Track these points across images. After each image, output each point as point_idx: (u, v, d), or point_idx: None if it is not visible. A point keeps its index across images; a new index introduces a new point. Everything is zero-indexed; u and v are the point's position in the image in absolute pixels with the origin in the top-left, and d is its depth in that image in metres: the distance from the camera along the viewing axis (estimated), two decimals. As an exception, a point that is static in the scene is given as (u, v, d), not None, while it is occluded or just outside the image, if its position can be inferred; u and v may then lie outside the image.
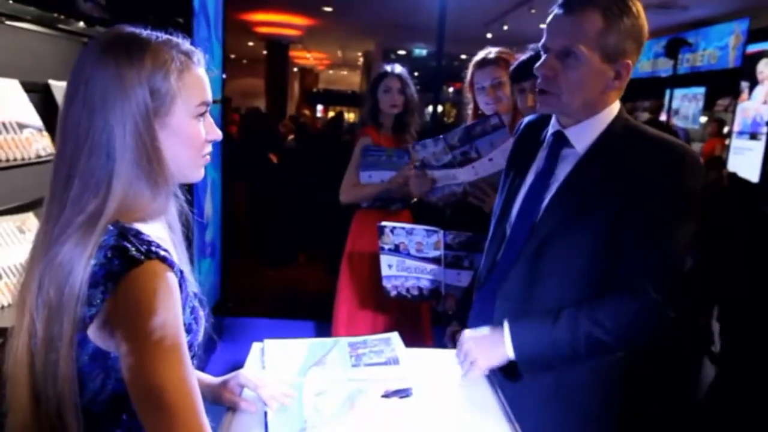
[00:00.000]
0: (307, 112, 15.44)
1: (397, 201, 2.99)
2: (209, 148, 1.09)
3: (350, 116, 15.61)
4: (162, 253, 0.93)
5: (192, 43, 1.05)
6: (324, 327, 3.39)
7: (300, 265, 6.22)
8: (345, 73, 21.19)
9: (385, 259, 2.38)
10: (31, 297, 0.95)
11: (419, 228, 2.31)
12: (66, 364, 0.91)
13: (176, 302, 0.92)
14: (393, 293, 2.41)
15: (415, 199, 3.02)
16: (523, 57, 2.14)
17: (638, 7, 1.36)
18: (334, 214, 3.27)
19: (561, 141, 1.48)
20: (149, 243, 0.93)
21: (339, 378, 1.29)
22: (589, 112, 1.43)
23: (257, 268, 5.71)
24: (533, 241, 1.44)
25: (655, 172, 1.34)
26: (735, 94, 7.16)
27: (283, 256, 5.95)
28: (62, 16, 2.18)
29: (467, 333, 1.46)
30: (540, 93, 1.43)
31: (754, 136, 6.66)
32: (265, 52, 14.24)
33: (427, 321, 3.08)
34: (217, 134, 1.08)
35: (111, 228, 0.94)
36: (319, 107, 19.18)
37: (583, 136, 1.44)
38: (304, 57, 17.33)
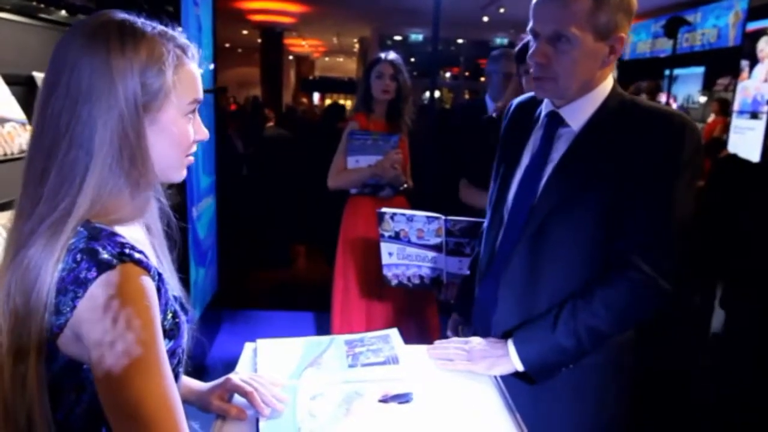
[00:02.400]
0: (304, 100, 15.31)
1: (386, 187, 2.93)
2: (194, 149, 1.03)
3: (348, 104, 15.54)
4: (137, 255, 0.87)
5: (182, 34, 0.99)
6: (325, 318, 3.36)
7: (300, 256, 6.15)
8: (341, 60, 21.07)
9: (385, 247, 2.33)
10: None
11: (420, 214, 2.26)
12: (34, 377, 0.85)
13: (153, 307, 0.86)
14: (394, 282, 2.37)
15: (406, 185, 2.98)
16: (527, 38, 2.09)
17: None
18: (330, 203, 3.22)
19: (556, 120, 1.45)
20: (123, 245, 0.87)
21: (335, 380, 1.24)
22: (584, 90, 1.39)
23: (254, 267, 5.64)
24: (532, 223, 1.41)
25: (654, 143, 1.32)
26: (735, 73, 7.08)
27: (277, 256, 5.85)
28: (43, 5, 2.10)
29: (477, 339, 1.44)
30: (536, 80, 1.40)
31: (755, 116, 6.59)
32: (259, 40, 14.13)
33: (434, 311, 3.02)
34: (205, 134, 1.02)
35: (81, 229, 0.87)
36: (316, 95, 18.98)
37: (579, 114, 1.41)
38: (300, 44, 17.21)
